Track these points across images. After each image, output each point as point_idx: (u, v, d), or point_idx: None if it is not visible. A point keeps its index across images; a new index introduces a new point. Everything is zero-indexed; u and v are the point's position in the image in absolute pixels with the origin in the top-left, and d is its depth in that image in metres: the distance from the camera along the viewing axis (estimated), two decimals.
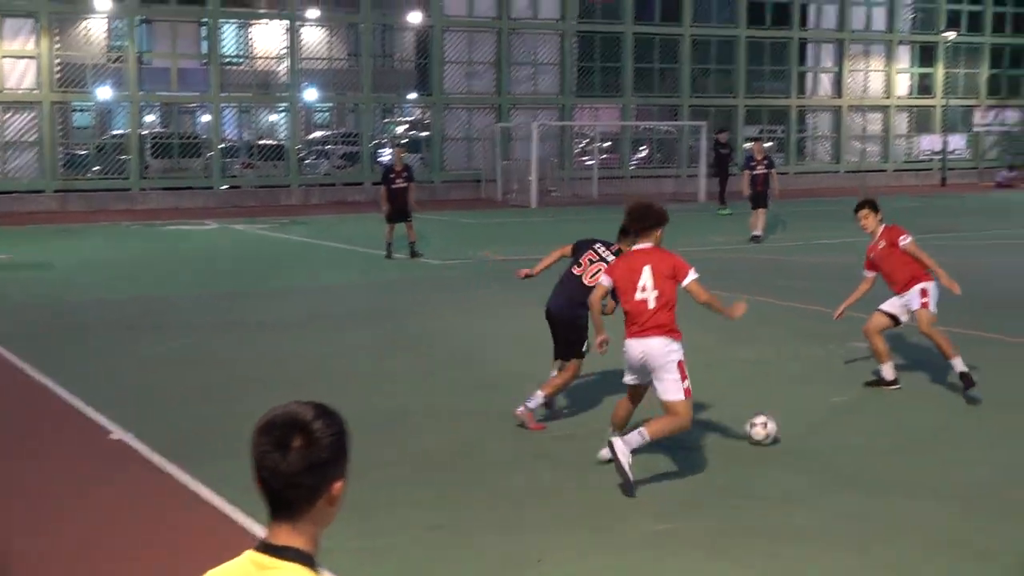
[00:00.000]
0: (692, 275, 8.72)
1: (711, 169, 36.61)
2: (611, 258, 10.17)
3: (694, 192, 39.68)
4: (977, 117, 51.26)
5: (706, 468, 9.15)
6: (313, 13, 39.61)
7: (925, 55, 49.78)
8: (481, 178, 40.87)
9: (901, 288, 11.45)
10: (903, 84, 49.80)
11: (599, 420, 10.56)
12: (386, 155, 39.08)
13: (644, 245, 8.92)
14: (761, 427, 9.59)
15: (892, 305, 11.60)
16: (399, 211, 22.61)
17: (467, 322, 15.96)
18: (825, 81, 48.30)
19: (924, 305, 11.23)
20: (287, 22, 38.79)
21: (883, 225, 11.70)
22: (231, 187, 38.42)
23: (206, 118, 40.68)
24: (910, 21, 49.53)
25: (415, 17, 41.08)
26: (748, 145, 43.65)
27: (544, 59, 42.58)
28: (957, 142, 50.53)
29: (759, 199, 26.16)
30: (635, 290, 8.69)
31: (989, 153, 51.57)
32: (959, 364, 11.01)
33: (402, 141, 39.19)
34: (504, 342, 14.55)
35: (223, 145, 39.21)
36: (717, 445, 9.79)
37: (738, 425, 10.11)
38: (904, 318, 11.56)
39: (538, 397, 10.38)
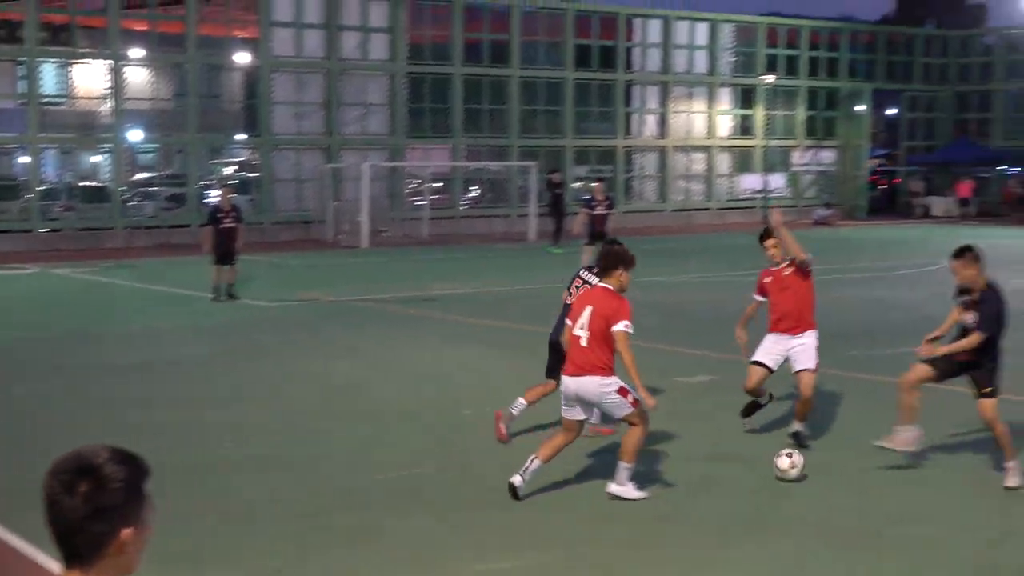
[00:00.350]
0: (622, 325, 8.96)
1: (546, 208, 36.94)
2: (594, 280, 10.46)
3: (524, 231, 40.06)
4: (795, 157, 53.03)
5: (544, 505, 9.16)
6: (137, 53, 38.82)
7: (745, 97, 51.34)
8: (311, 219, 40.53)
9: (787, 327, 10.92)
10: (725, 125, 51.22)
11: (434, 459, 10.53)
12: (214, 196, 38.46)
13: (603, 284, 9.35)
14: (790, 458, 9.69)
15: (768, 354, 11.05)
16: (227, 252, 22.25)
17: (295, 365, 15.74)
18: (651, 122, 49.36)
19: (816, 368, 10.92)
20: (110, 62, 37.91)
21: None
22: (52, 230, 37.26)
23: (25, 159, 39.43)
24: (730, 65, 51.04)
25: (243, 57, 40.64)
26: (576, 184, 44.49)
27: (374, 100, 42.53)
28: (777, 181, 52.12)
29: (598, 238, 26.53)
30: (575, 325, 9.16)
31: (807, 192, 53.33)
32: (798, 426, 10.88)
33: (230, 182, 38.56)
34: (330, 385, 14.39)
35: (43, 187, 38.05)
36: (562, 480, 9.82)
37: (578, 462, 10.18)
38: (775, 366, 11.09)
39: (520, 404, 11.01)
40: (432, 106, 43.88)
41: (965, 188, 51.76)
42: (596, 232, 26.54)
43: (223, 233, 22.25)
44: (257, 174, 41.64)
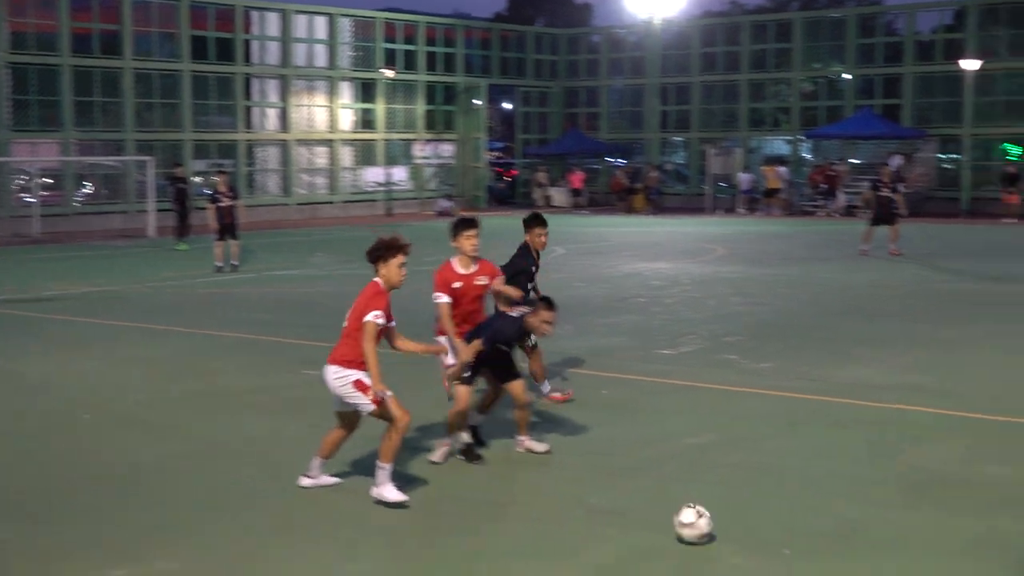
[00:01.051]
0: (368, 317, 8.65)
1: (169, 203, 35.73)
2: None
3: (144, 227, 38.79)
4: (417, 150, 53.98)
5: (166, 504, 8.96)
6: None
7: (366, 91, 51.73)
8: None
9: (463, 331, 10.39)
10: (347, 119, 51.44)
11: (51, 466, 10.08)
12: None
13: (374, 278, 8.92)
14: (695, 519, 7.89)
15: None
16: None
17: None
18: (272, 115, 48.90)
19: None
20: None
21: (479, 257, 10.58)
22: None
23: None
24: (350, 59, 51.29)
25: None
26: (197, 179, 43.48)
27: None
28: (400, 174, 52.89)
29: (227, 231, 26.16)
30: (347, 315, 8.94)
31: (429, 184, 54.41)
32: (466, 437, 10.17)
33: None
34: None
35: None
36: (189, 475, 9.61)
37: (206, 453, 9.97)
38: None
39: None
40: (39, 98, 41.70)
41: (577, 179, 54.31)
42: (225, 225, 26.16)
43: None
44: None
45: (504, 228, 39.57)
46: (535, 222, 12.23)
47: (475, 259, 10.52)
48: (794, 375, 13.88)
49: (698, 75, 55.19)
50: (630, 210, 50.30)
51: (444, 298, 10.38)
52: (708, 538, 7.86)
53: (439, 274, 10.52)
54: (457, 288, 10.42)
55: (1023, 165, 45.68)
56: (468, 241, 10.44)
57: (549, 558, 7.81)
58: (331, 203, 49.86)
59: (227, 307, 20.83)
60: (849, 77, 51.10)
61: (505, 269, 11.64)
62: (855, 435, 11.09)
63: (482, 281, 10.56)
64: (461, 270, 10.51)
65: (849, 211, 45.62)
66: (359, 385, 8.76)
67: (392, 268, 8.78)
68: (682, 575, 7.51)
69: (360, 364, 8.77)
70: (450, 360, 10.44)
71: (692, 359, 15.12)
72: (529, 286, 12.08)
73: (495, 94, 59.07)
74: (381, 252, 8.81)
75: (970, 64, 43.19)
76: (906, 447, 10.61)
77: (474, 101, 55.21)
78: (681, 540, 7.87)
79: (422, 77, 53.65)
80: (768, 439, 10.97)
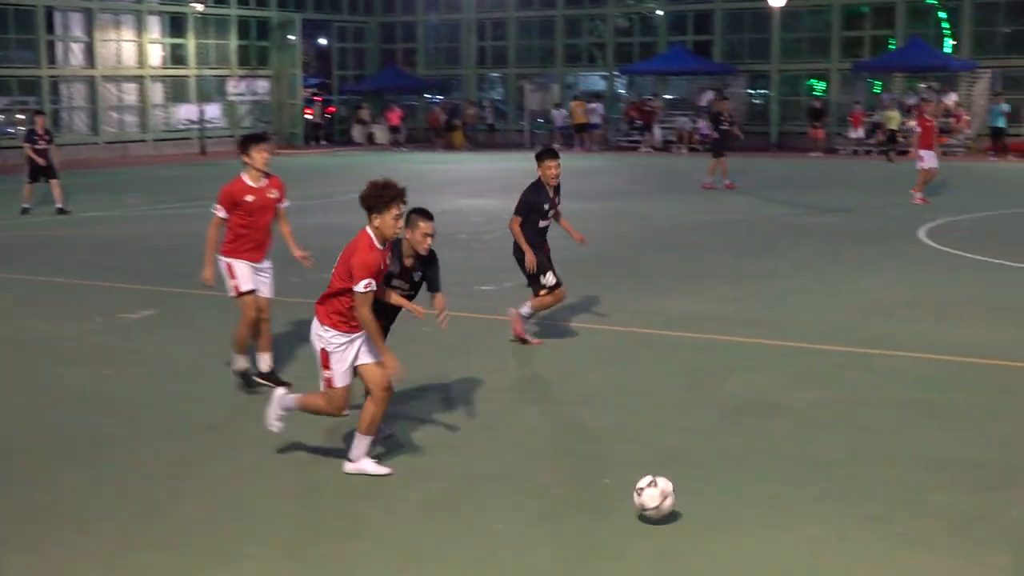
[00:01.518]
0: (358, 288, 7.73)
1: None
2: None
3: None
4: (230, 86, 52.69)
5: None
6: None
7: (176, 25, 50.14)
8: None
9: (263, 255, 10.50)
10: (156, 54, 49.82)
11: None
12: None
13: (366, 228, 8.01)
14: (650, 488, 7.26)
15: (254, 279, 10.41)
16: None
17: None
18: (77, 50, 47.02)
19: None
20: None
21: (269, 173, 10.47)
22: None
23: None
24: None
25: None
26: (22, 117, 41.67)
27: None
28: (213, 111, 51.57)
29: (42, 172, 25.23)
30: None
31: (244, 121, 53.21)
32: (249, 360, 10.42)
33: None
34: None
35: None
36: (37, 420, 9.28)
37: (16, 401, 9.63)
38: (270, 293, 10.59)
39: (526, 307, 12.07)
40: None
41: (395, 116, 53.85)
42: (40, 167, 25.27)
43: None
44: None
45: (322, 166, 39.04)
46: (546, 155, 11.94)
47: (266, 174, 10.39)
48: (616, 308, 14.09)
49: (515, 11, 55.11)
50: (449, 147, 50.17)
51: (221, 212, 10.25)
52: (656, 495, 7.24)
53: (226, 188, 10.33)
54: (250, 202, 10.26)
55: (828, 100, 47.12)
56: (260, 155, 10.28)
57: (381, 497, 7.78)
58: (143, 142, 48.37)
59: (36, 251, 20.08)
60: (661, 13, 51.72)
61: (517, 208, 11.87)
62: (675, 366, 11.34)
63: (273, 195, 10.44)
64: (252, 184, 10.33)
65: (666, 146, 46.49)
66: (324, 356, 8.08)
67: (387, 220, 7.88)
68: (508, 506, 7.58)
69: (340, 323, 7.98)
70: (231, 283, 10.33)
71: (514, 294, 15.14)
72: (541, 224, 11.97)
73: (310, 29, 57.83)
74: (377, 200, 7.89)
75: (776, 1, 44.12)
76: (725, 376, 10.90)
77: (288, 36, 54.06)
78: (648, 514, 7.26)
79: (234, 11, 52.27)
80: (590, 371, 11.14)
